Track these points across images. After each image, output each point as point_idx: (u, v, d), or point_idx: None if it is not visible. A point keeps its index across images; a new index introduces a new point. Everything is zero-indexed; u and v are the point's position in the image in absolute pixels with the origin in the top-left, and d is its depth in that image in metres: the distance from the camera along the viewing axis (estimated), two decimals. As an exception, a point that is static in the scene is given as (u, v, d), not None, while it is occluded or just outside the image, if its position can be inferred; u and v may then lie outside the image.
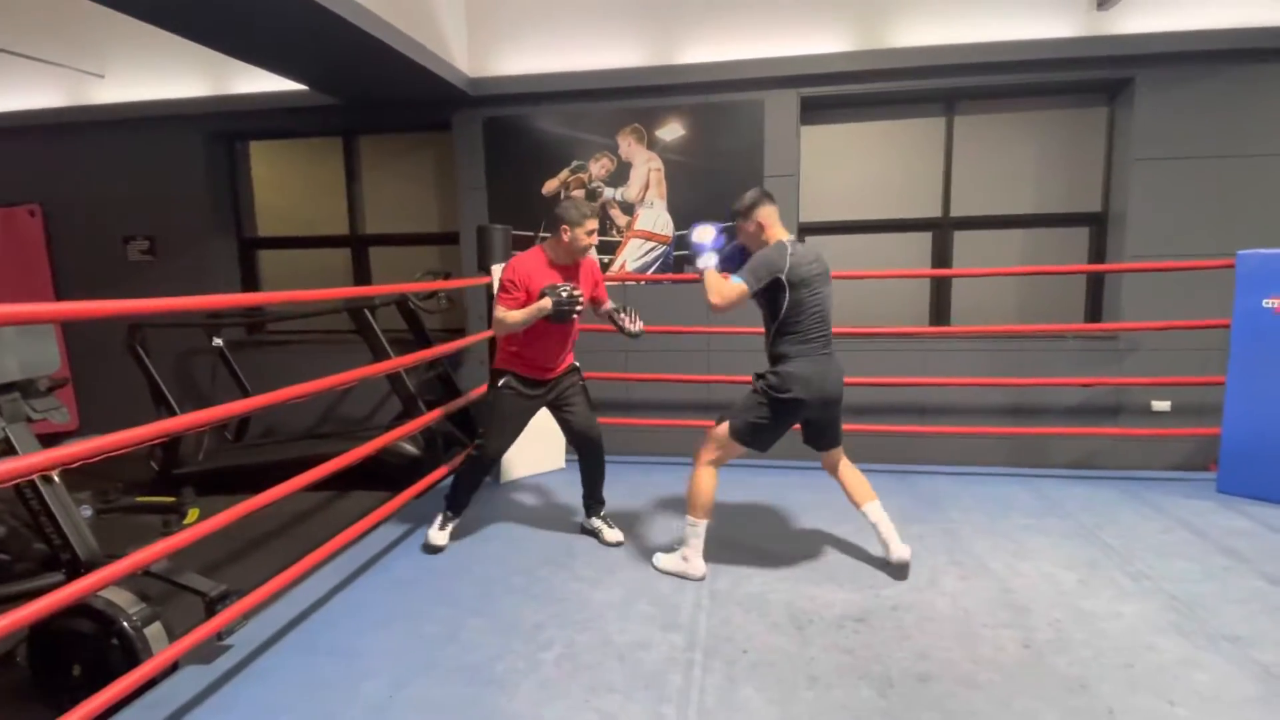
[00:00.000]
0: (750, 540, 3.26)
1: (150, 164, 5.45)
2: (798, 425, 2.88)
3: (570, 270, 3.11)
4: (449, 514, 3.29)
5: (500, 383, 3.15)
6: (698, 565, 2.87)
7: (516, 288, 2.98)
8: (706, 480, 2.84)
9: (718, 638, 2.44)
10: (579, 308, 2.97)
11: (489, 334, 3.67)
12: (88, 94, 5.40)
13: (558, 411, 3.29)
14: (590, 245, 3.06)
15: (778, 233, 2.74)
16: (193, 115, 5.26)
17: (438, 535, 3.24)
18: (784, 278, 2.59)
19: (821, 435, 2.91)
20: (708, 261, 2.73)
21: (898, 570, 2.84)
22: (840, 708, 2.05)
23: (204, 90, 5.23)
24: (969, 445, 4.55)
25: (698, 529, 2.86)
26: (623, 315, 3.11)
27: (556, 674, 2.25)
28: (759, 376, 2.77)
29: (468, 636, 2.49)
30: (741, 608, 2.65)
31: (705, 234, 2.77)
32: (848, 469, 2.97)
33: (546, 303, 2.93)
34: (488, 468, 3.28)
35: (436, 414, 3.74)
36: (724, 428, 2.79)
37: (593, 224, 3.03)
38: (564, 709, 2.08)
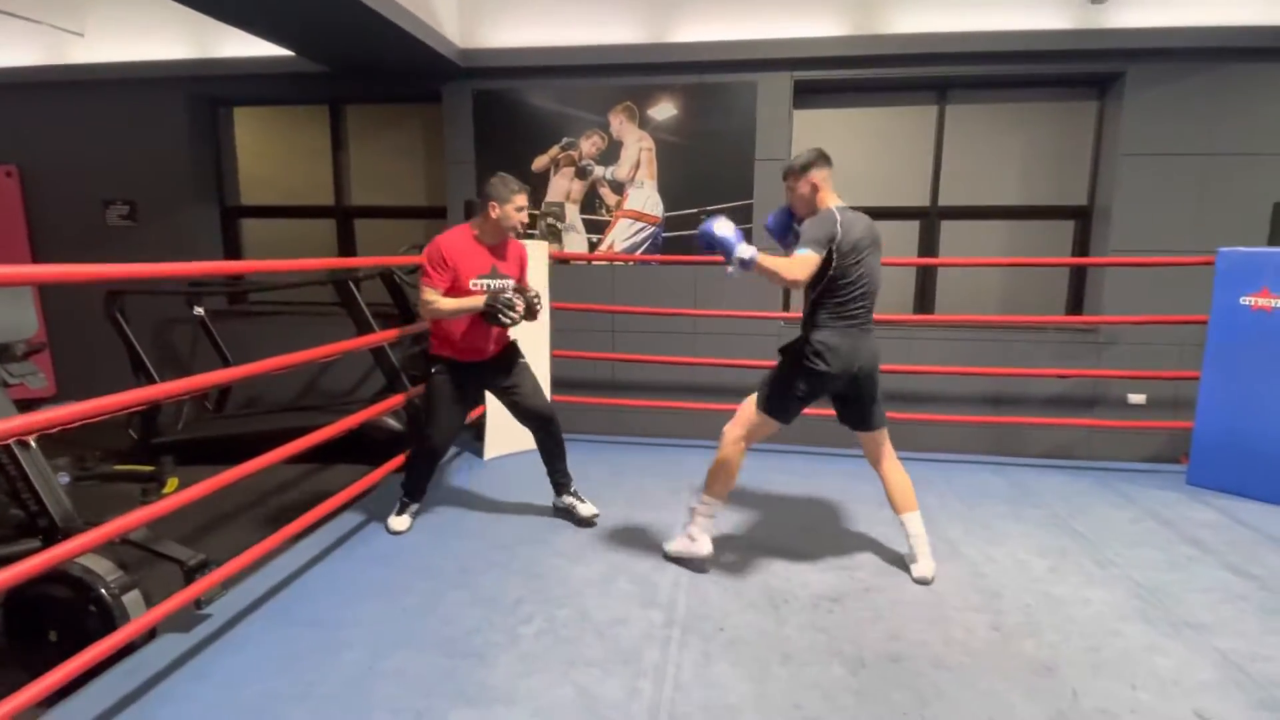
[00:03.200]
0: (729, 521, 3.30)
1: (131, 127, 5.33)
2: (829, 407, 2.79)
3: (498, 249, 3.04)
4: (405, 500, 3.24)
5: (434, 369, 3.06)
6: (704, 544, 2.79)
7: (444, 268, 2.89)
8: (732, 459, 2.74)
9: (695, 615, 2.48)
10: (514, 316, 2.85)
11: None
12: (66, 53, 5.26)
13: (503, 395, 3.21)
14: (521, 222, 2.96)
15: (830, 197, 2.60)
16: (175, 78, 5.15)
17: (397, 521, 3.18)
18: (835, 245, 2.48)
19: (851, 414, 2.77)
20: (750, 249, 2.39)
21: (919, 583, 2.74)
22: (813, 685, 2.10)
23: (187, 53, 5.11)
24: (948, 433, 4.61)
25: (711, 508, 2.79)
26: (535, 299, 3.01)
27: (535, 648, 2.28)
28: (789, 345, 2.69)
29: (447, 610, 2.51)
30: (719, 586, 2.69)
31: (726, 226, 2.42)
32: (892, 471, 2.81)
33: (478, 301, 2.86)
34: (436, 457, 3.23)
35: (420, 389, 3.73)
36: (752, 400, 2.73)
37: (522, 200, 2.93)
38: (542, 682, 2.10)
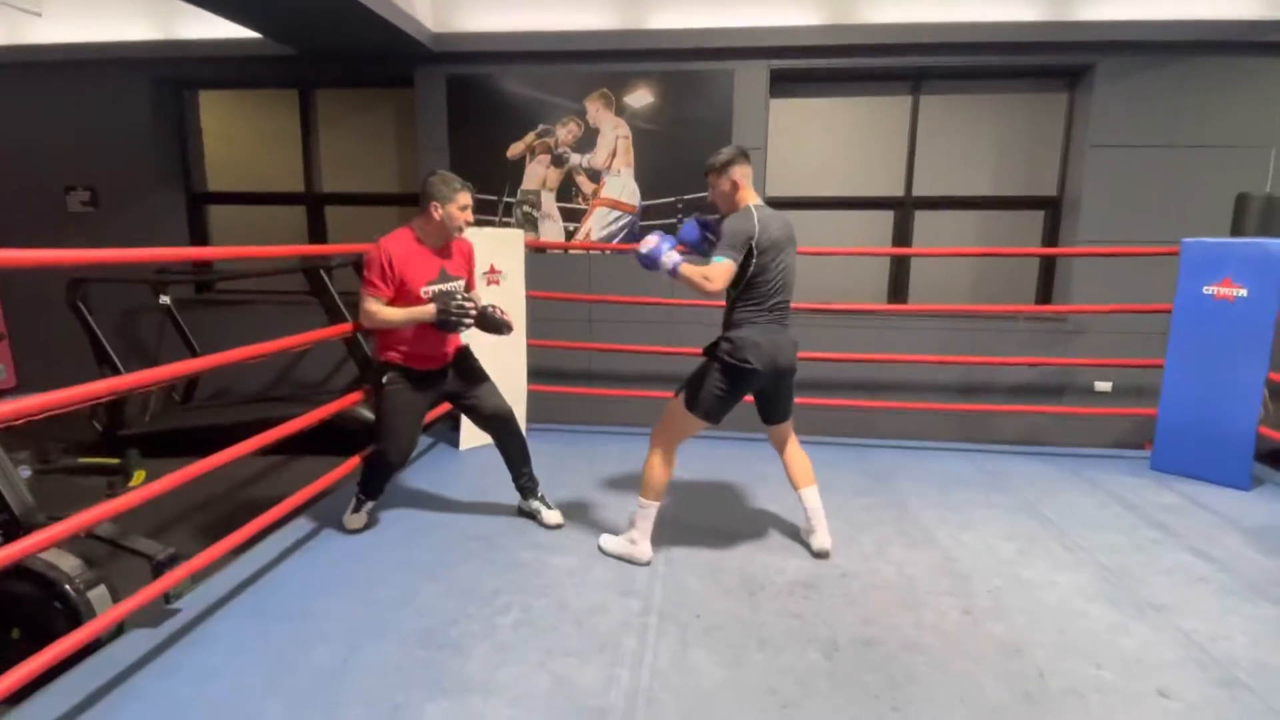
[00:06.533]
0: (706, 509, 3.32)
1: (93, 110, 5.17)
2: (750, 398, 2.81)
3: (443, 250, 2.87)
4: (361, 498, 3.08)
5: (385, 379, 2.86)
6: (644, 549, 2.78)
7: (389, 277, 2.72)
8: (662, 460, 2.76)
9: (672, 603, 2.49)
10: (468, 321, 2.74)
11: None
12: (23, 32, 5.08)
13: (459, 400, 3.09)
14: (466, 223, 2.80)
15: (749, 195, 2.67)
16: (139, 60, 5.00)
17: (353, 519, 3.07)
18: (753, 244, 2.53)
19: (772, 408, 2.84)
20: (673, 259, 2.57)
21: (818, 555, 2.85)
22: (788, 670, 2.12)
23: (150, 34, 4.96)
24: (920, 421, 4.67)
25: (648, 511, 2.77)
26: (493, 309, 2.88)
27: (512, 638, 2.27)
28: (713, 345, 2.71)
29: (423, 601, 2.49)
30: (696, 574, 2.70)
31: (650, 242, 2.62)
32: (795, 451, 2.93)
33: (430, 310, 2.71)
34: (393, 470, 3.07)
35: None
36: (679, 401, 2.73)
37: (466, 198, 2.77)
38: (519, 672, 2.10)
